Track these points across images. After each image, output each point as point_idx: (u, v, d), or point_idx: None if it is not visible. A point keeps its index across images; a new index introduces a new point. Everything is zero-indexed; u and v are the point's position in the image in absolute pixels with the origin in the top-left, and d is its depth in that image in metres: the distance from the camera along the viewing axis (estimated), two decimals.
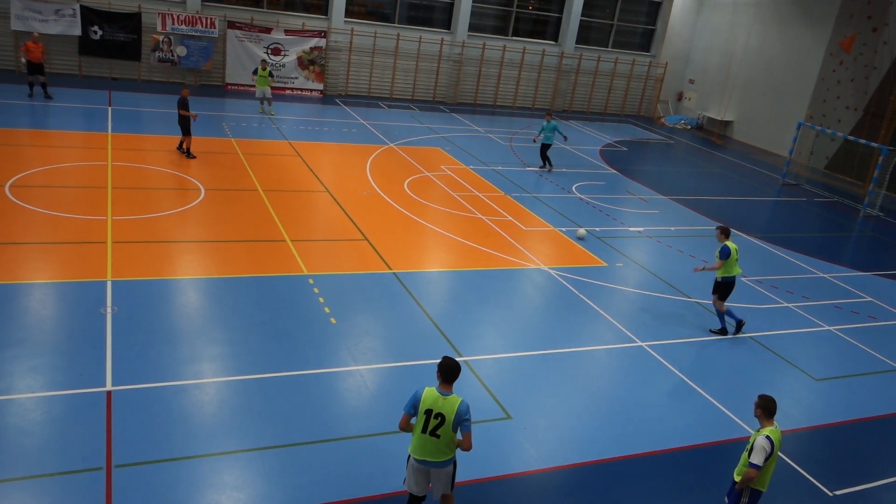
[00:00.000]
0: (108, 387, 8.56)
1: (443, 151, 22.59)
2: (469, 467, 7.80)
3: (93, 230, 12.93)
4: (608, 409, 9.76)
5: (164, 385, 8.79)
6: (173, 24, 26.51)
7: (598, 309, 12.71)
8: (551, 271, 14.13)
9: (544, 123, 21.66)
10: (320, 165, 19.28)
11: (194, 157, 18.11)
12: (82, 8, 25.20)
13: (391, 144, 22.61)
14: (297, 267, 12.66)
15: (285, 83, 28.77)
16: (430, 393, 6.52)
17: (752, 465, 6.82)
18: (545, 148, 21.85)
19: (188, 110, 18.04)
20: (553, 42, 33.54)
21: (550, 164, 22.10)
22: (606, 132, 30.49)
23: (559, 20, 33.40)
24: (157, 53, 26.76)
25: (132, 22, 26.14)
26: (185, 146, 18.24)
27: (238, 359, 9.63)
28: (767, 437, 6.82)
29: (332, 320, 10.94)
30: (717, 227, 12.34)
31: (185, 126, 18.00)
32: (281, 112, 25.24)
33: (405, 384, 9.53)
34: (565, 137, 23.14)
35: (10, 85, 22.95)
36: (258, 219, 14.68)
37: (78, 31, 25.46)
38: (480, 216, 16.74)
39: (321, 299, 11.56)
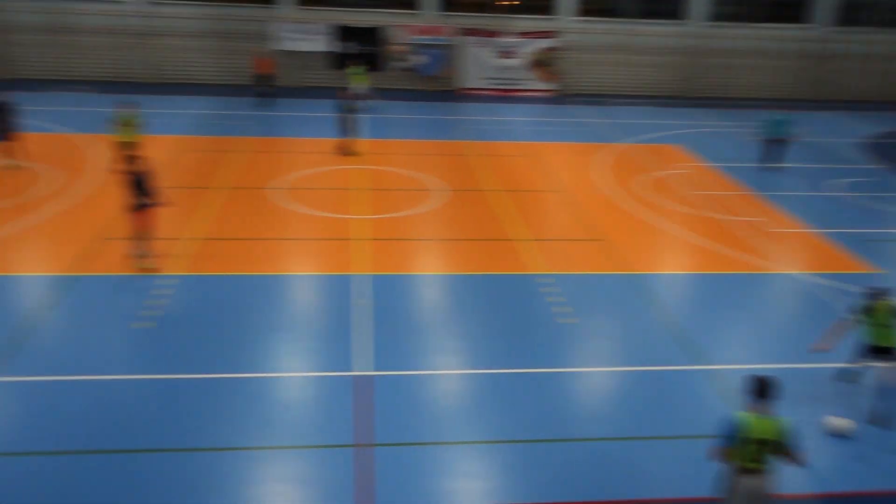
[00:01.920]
0: (361, 371, 9.30)
1: (679, 148, 21.62)
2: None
3: (346, 228, 14.12)
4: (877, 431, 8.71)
5: (414, 374, 9.37)
6: (412, 34, 28.19)
7: None
8: (805, 277, 12.92)
9: (777, 116, 19.29)
10: (553, 165, 19.37)
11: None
12: (334, 26, 27.67)
13: (625, 142, 22.10)
14: (531, 266, 12.83)
15: (516, 84, 29.30)
16: (749, 418, 6.04)
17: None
18: (777, 143, 19.43)
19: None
20: (803, 25, 30.62)
21: (778, 161, 19.53)
22: (869, 123, 27.21)
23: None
24: (399, 63, 28.61)
25: (375, 36, 28.21)
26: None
27: (477, 353, 9.98)
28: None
29: (571, 320, 10.94)
30: None
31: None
32: (512, 114, 25.75)
33: (641, 389, 9.28)
34: (791, 136, 19.58)
35: (291, 100, 25.66)
36: (491, 219, 15.10)
37: (330, 48, 28.01)
38: (721, 216, 15.77)
39: (559, 298, 11.60)
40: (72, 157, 17.58)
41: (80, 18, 26.76)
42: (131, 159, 11.83)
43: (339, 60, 28.23)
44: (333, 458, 7.75)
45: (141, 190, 11.32)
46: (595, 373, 9.73)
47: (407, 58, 28.55)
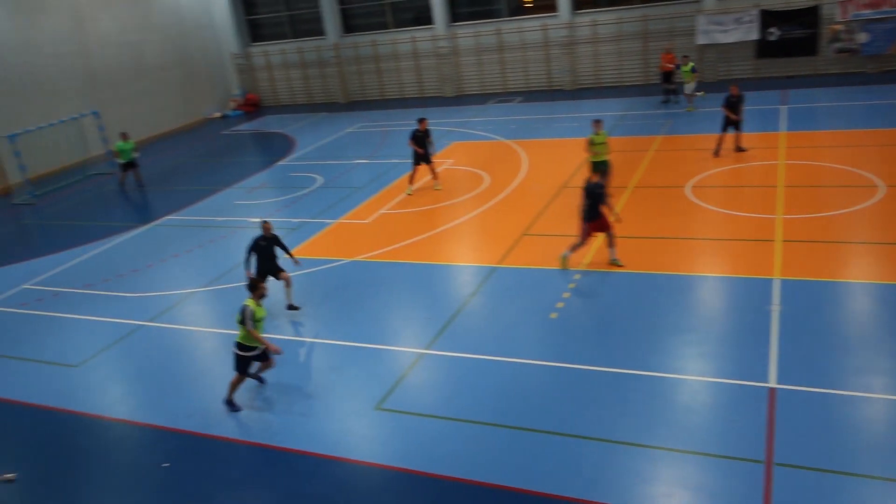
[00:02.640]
0: (772, 383, 8.71)
1: None
2: None
3: (763, 228, 13.25)
4: None
5: (829, 392, 8.46)
6: (856, 10, 24.89)
7: None
8: None
9: None
10: None
11: (744, 151, 17.73)
12: (761, 12, 25.92)
13: None
14: None
15: None
16: None
17: None
18: None
19: (733, 111, 17.44)
20: None
21: None
22: None
23: None
24: (835, 45, 25.58)
25: (810, 16, 25.61)
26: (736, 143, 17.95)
27: None
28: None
29: None
30: None
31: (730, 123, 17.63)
32: None
33: None
34: None
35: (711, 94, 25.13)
36: None
37: (755, 35, 26.31)
38: None
39: None
40: (501, 161, 19.76)
41: (516, 36, 29.78)
42: (597, 175, 12.69)
43: (768, 48, 26.39)
44: (737, 471, 7.44)
45: (594, 204, 12.11)
46: None
47: (847, 37, 25.34)
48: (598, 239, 12.71)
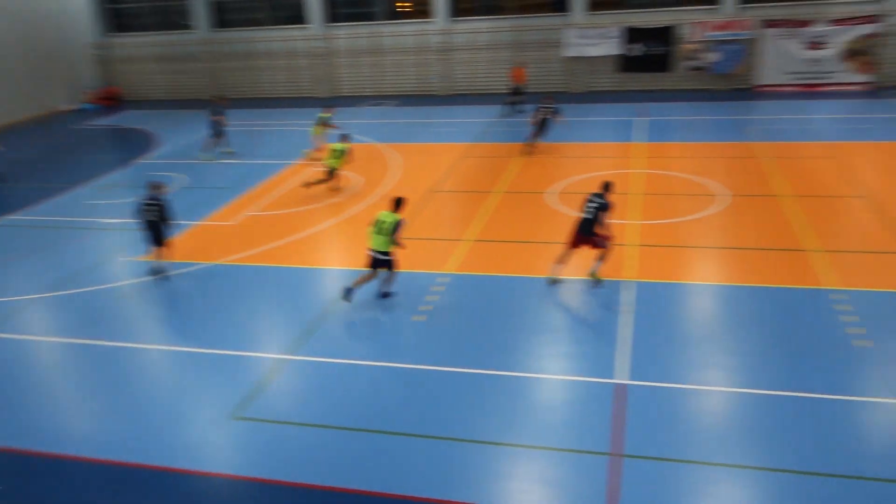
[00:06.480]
0: (623, 379, 9.14)
1: None
2: None
3: (621, 233, 13.90)
4: None
5: (675, 386, 8.98)
6: (707, 31, 26.75)
7: None
8: None
9: None
10: (862, 168, 17.11)
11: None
12: (625, 28, 27.33)
13: None
14: (822, 280, 11.51)
15: (824, 78, 26.34)
16: None
17: None
18: None
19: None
20: None
21: None
22: None
23: None
24: (689, 63, 27.37)
25: (666, 35, 27.27)
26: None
27: (749, 371, 9.25)
28: None
29: (862, 343, 9.63)
30: None
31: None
32: (817, 111, 23.27)
33: None
34: None
35: (579, 105, 26.13)
36: (780, 227, 13.80)
37: (619, 51, 27.71)
38: None
39: (850, 318, 10.27)
40: (374, 164, 19.70)
41: (393, 40, 29.83)
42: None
43: (629, 64, 27.84)
44: (586, 464, 7.74)
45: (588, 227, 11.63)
46: (890, 404, 8.44)
47: (699, 56, 27.19)
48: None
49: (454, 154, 20.29)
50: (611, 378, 9.19)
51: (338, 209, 16.24)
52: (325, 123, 20.28)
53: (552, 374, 9.52)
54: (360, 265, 13.02)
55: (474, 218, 15.15)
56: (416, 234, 14.46)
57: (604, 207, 11.58)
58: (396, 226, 11.11)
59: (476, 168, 18.89)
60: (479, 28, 28.92)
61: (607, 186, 11.88)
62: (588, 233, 11.60)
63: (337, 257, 13.99)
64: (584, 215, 11.64)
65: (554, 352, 10.06)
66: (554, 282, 11.91)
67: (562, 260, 11.91)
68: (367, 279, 11.51)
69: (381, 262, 11.33)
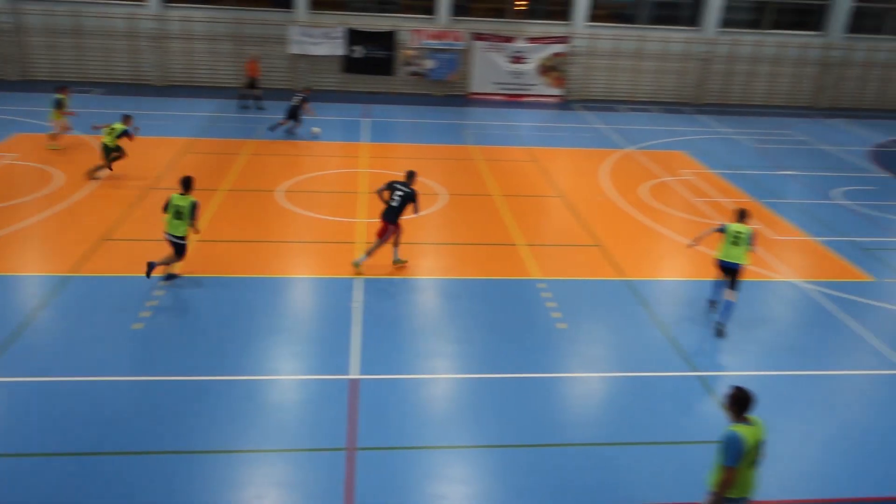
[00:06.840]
0: (354, 374, 9.35)
1: (685, 155, 21.54)
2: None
3: (344, 231, 14.20)
4: (863, 442, 8.65)
5: (404, 377, 9.42)
6: (424, 39, 28.28)
7: (859, 329, 11.33)
8: (804, 285, 12.85)
9: None
10: (556, 171, 19.37)
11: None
12: (347, 30, 27.82)
13: (630, 149, 22.05)
14: (530, 271, 12.85)
15: (525, 90, 29.31)
16: (745, 431, 5.96)
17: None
18: None
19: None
20: (816, 32, 30.43)
21: None
22: (879, 131, 26.99)
23: (822, 7, 30.22)
24: (408, 68, 28.70)
25: (388, 40, 28.32)
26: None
27: (469, 358, 10.02)
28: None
29: (562, 325, 10.95)
30: None
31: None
32: (520, 119, 25.81)
33: (634, 395, 9.29)
34: None
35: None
36: (494, 223, 15.13)
37: (342, 51, 28.15)
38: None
39: (552, 304, 11.62)
40: (79, 157, 17.78)
41: (98, 21, 27.08)
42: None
43: (352, 65, 28.38)
44: (323, 462, 7.80)
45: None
46: (584, 378, 9.74)
47: (417, 62, 28.64)
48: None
49: (174, 149, 19.08)
50: (346, 374, 9.36)
51: (45, 203, 14.38)
52: (61, 105, 18.24)
53: (286, 374, 9.45)
54: (62, 269, 11.75)
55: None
56: (129, 235, 13.39)
57: (410, 196, 12.11)
58: (193, 208, 11.16)
59: (199, 164, 17.94)
60: (196, 17, 27.46)
61: (410, 175, 12.44)
62: (393, 221, 12.07)
63: (34, 262, 12.38)
64: (391, 203, 12.06)
65: (287, 352, 9.97)
66: (358, 270, 12.23)
67: (371, 252, 12.23)
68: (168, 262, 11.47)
69: (176, 246, 11.35)
